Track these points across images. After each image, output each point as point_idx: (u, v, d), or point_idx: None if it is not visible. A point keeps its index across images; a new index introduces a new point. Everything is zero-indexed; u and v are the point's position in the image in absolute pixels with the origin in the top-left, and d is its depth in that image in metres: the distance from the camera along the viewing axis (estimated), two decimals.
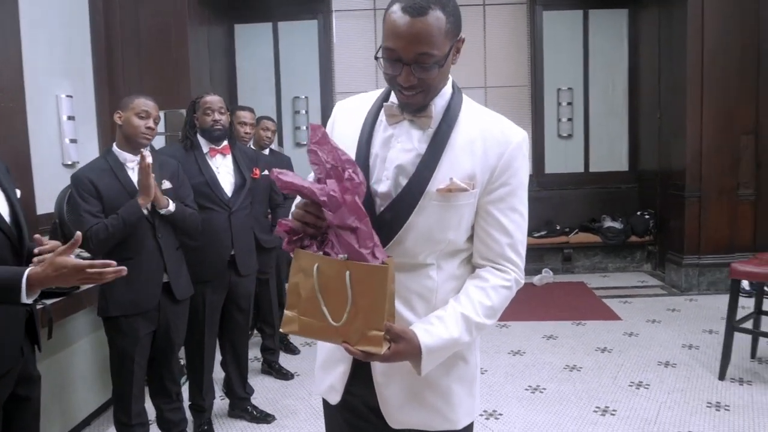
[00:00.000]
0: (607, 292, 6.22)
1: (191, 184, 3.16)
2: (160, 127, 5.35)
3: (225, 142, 3.39)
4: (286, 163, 4.71)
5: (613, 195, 7.51)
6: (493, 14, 7.49)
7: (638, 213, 7.13)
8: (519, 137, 1.44)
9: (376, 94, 1.55)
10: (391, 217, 1.42)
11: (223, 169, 3.38)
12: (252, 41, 7.46)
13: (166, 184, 2.89)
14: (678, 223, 6.16)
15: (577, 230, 7.25)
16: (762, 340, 4.20)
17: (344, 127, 1.56)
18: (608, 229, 7.04)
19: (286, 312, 1.38)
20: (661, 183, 6.75)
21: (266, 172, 3.80)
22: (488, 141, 1.42)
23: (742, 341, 4.16)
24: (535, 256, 7.06)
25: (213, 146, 3.35)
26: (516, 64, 7.54)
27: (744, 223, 5.95)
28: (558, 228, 7.23)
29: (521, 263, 1.49)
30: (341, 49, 7.45)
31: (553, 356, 4.49)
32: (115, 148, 2.85)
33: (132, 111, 2.78)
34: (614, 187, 7.54)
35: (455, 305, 1.42)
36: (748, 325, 4.01)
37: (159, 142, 5.40)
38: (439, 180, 1.39)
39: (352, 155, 1.44)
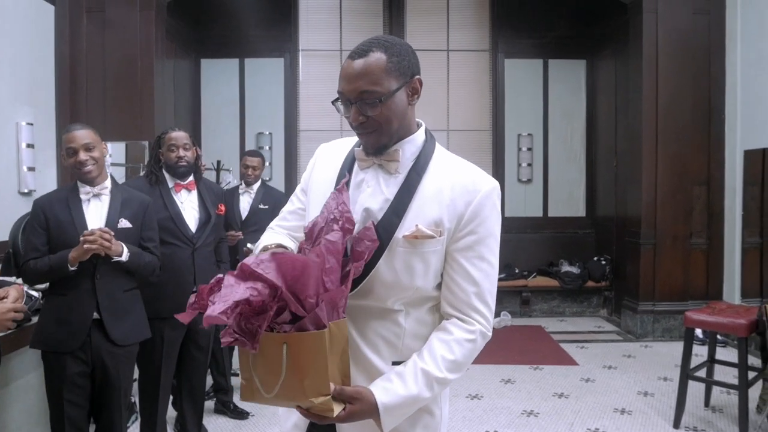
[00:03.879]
0: (565, 337, 6.28)
1: (156, 219, 3.10)
2: (120, 158, 5.31)
3: (191, 178, 3.36)
4: (277, 198, 4.67)
5: (570, 240, 7.64)
6: (456, 60, 7.65)
7: (595, 258, 7.27)
8: (488, 186, 1.45)
9: (356, 139, 1.57)
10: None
11: (188, 205, 3.33)
12: (218, 76, 7.46)
13: (123, 223, 2.77)
14: (633, 269, 6.28)
15: (535, 274, 7.33)
16: (715, 389, 4.28)
17: (323, 170, 1.58)
18: (566, 273, 7.14)
19: (241, 380, 1.39)
20: (617, 229, 6.90)
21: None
22: (456, 189, 1.43)
23: (696, 389, 4.23)
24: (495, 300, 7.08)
25: (178, 181, 3.31)
26: (478, 109, 7.69)
27: (696, 271, 6.10)
28: (517, 271, 7.30)
29: (488, 314, 1.47)
30: (307, 88, 7.49)
31: (510, 401, 4.49)
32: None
33: (63, 150, 2.71)
34: (572, 232, 7.68)
35: (417, 360, 1.41)
36: (702, 373, 4.08)
37: (119, 173, 5.33)
38: (407, 227, 1.41)
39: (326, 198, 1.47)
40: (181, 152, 3.27)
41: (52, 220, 2.67)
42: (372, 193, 1.45)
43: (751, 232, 5.59)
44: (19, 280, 2.88)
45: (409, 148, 1.47)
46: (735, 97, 5.87)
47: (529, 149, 7.68)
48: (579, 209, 7.76)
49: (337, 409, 1.30)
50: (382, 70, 1.38)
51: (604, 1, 6.67)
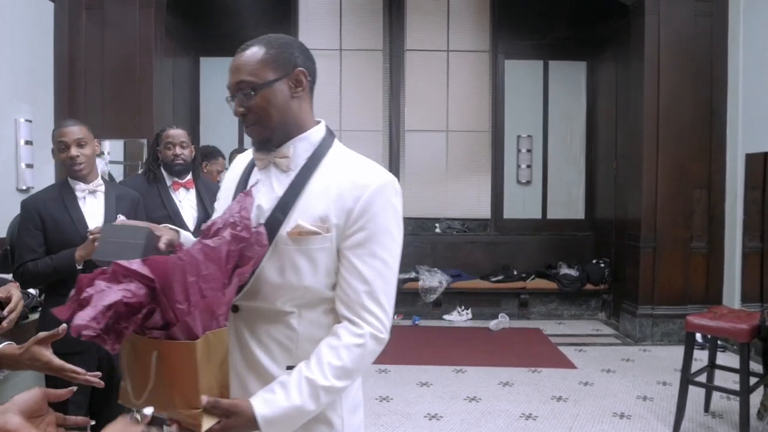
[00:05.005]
0: (563, 340, 6.26)
1: (153, 217, 3.07)
2: (119, 156, 5.28)
3: (189, 176, 3.34)
4: None
5: (569, 242, 7.62)
6: (456, 61, 7.63)
7: (594, 261, 7.24)
8: (380, 181, 1.40)
9: None
10: None
11: (186, 203, 3.31)
12: (217, 74, 7.39)
13: (121, 219, 2.77)
14: (633, 272, 6.26)
15: (533, 276, 7.30)
16: (715, 394, 4.26)
17: (230, 176, 1.61)
18: (564, 276, 7.12)
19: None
20: (617, 232, 6.88)
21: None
22: (345, 184, 1.39)
23: (695, 394, 4.20)
24: (492, 301, 7.08)
25: (176, 180, 3.30)
26: (478, 110, 7.67)
27: (696, 275, 6.08)
28: (515, 273, 7.28)
29: (381, 314, 1.39)
30: None
31: (509, 404, 4.46)
32: (68, 176, 2.75)
33: (54, 145, 2.68)
34: (570, 235, 7.66)
35: (303, 368, 1.35)
36: (702, 378, 4.06)
37: (118, 170, 5.30)
38: (292, 224, 1.39)
39: (228, 202, 1.50)
40: (178, 150, 3.25)
41: (48, 220, 2.63)
42: (265, 192, 1.45)
43: (752, 236, 5.57)
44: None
45: (303, 145, 1.45)
46: (737, 101, 5.85)
47: (529, 151, 7.66)
48: (578, 211, 7.74)
49: (208, 423, 1.23)
50: (257, 61, 1.40)
51: (605, 3, 6.65)
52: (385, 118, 7.53)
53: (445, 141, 7.58)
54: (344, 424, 1.48)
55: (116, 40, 5.26)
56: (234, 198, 1.48)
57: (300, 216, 1.39)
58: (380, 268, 1.39)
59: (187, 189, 3.33)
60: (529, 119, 7.67)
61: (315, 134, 1.47)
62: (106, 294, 1.17)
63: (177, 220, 3.22)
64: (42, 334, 1.62)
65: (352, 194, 1.38)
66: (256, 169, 1.51)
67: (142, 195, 3.11)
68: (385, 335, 1.40)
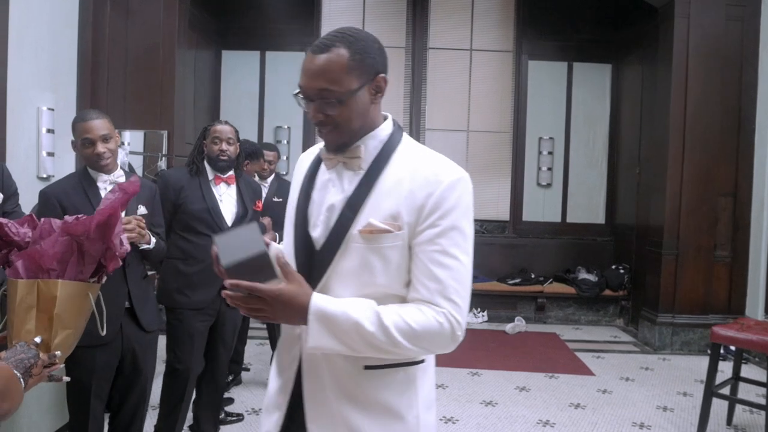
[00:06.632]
0: (580, 345, 6.17)
1: (192, 210, 3.15)
2: (139, 147, 5.27)
3: (231, 172, 3.35)
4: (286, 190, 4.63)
5: (588, 247, 7.52)
6: (479, 60, 7.56)
7: (613, 267, 7.15)
8: (453, 177, 1.37)
9: None
10: (320, 261, 1.40)
11: (226, 198, 3.33)
12: (238, 68, 7.41)
13: (142, 210, 2.75)
14: (653, 279, 6.16)
15: (551, 280, 7.22)
16: (738, 407, 4.17)
17: (297, 177, 1.57)
18: (583, 281, 7.03)
19: None
20: (638, 238, 6.77)
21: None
22: (416, 181, 1.36)
23: (717, 406, 4.10)
24: (509, 304, 7.01)
25: (218, 174, 3.31)
26: (499, 111, 7.59)
27: (719, 285, 5.97)
28: (533, 276, 7.20)
29: (457, 312, 1.34)
30: None
31: (526, 409, 4.39)
32: (87, 165, 2.72)
33: (78, 140, 2.63)
34: (590, 239, 7.56)
35: (372, 303, 1.34)
36: (726, 390, 3.97)
37: (137, 161, 5.29)
38: (362, 222, 1.36)
39: (295, 202, 1.50)
40: (224, 146, 3.28)
41: (70, 210, 2.58)
42: (335, 192, 1.42)
43: None
44: None
45: (372, 143, 1.43)
46: (766, 107, 5.73)
47: (550, 153, 7.56)
48: (599, 216, 7.64)
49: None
50: (342, 69, 1.32)
51: (631, 5, 6.55)
52: (406, 116, 7.47)
53: (466, 141, 7.51)
54: (419, 422, 1.46)
55: (139, 31, 5.24)
56: (300, 197, 1.48)
57: (370, 214, 1.36)
58: (453, 266, 1.35)
59: (228, 184, 3.35)
60: (552, 121, 7.58)
61: (383, 130, 1.45)
62: None
63: (215, 214, 3.25)
64: None
65: (423, 191, 1.35)
66: (323, 168, 1.48)
67: (183, 187, 3.18)
68: (460, 333, 1.36)
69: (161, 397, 3.33)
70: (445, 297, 1.34)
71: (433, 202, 1.34)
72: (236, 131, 3.41)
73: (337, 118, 1.35)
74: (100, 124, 2.61)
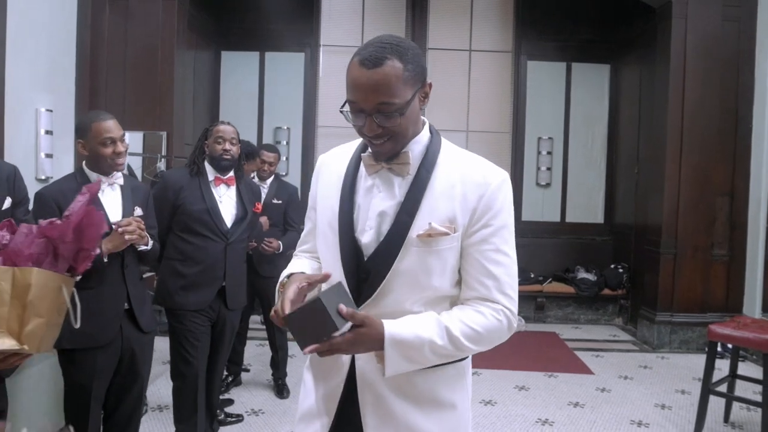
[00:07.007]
0: (579, 344, 6.19)
1: (192, 210, 3.15)
2: (138, 148, 5.28)
3: (231, 173, 3.35)
4: (290, 193, 4.62)
5: (587, 246, 7.54)
6: (478, 61, 7.57)
7: (612, 266, 7.16)
8: (499, 179, 1.44)
9: (355, 144, 1.57)
10: (376, 266, 1.42)
11: (226, 200, 3.32)
12: (238, 69, 7.42)
13: (138, 211, 2.75)
14: (652, 278, 6.18)
15: (550, 279, 7.24)
16: (735, 405, 4.19)
17: (328, 180, 1.57)
18: (582, 280, 7.04)
19: None
20: (636, 237, 6.79)
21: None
22: (468, 184, 1.42)
23: (715, 404, 4.13)
24: None
25: (219, 175, 3.30)
26: (499, 111, 7.60)
27: (717, 284, 5.99)
28: (532, 276, 7.22)
29: (512, 305, 1.44)
30: (326, 83, 7.42)
31: (525, 408, 4.41)
32: (84, 167, 2.72)
33: (95, 139, 2.61)
34: (589, 239, 7.58)
35: (439, 315, 1.40)
36: (723, 388, 3.99)
37: (137, 162, 5.30)
38: (420, 225, 1.40)
39: (336, 207, 1.49)
40: (228, 146, 3.27)
41: None
42: (384, 197, 1.44)
43: None
44: None
45: (417, 147, 1.46)
46: (763, 107, 5.75)
47: (549, 153, 7.58)
48: (597, 215, 7.66)
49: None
50: (399, 81, 1.34)
51: (630, 5, 6.57)
52: None
53: (465, 141, 7.51)
54: (468, 411, 1.55)
55: (139, 31, 5.26)
56: (344, 203, 1.48)
57: (428, 218, 1.40)
58: (505, 262, 1.43)
59: (228, 186, 3.34)
60: (551, 121, 7.59)
61: (425, 135, 1.49)
62: None
63: (215, 215, 3.24)
64: None
65: (475, 193, 1.42)
66: (363, 173, 1.49)
67: (183, 187, 3.17)
68: (515, 324, 1.45)
69: (174, 404, 3.32)
70: (502, 292, 1.42)
71: (484, 204, 1.41)
72: (238, 132, 3.41)
73: (395, 129, 1.37)
74: (117, 125, 2.68)
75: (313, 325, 1.29)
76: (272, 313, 1.40)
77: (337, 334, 1.30)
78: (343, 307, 1.28)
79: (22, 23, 4.08)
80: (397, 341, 1.33)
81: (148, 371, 2.93)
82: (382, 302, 1.42)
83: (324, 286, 1.46)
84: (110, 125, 2.63)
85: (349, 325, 1.31)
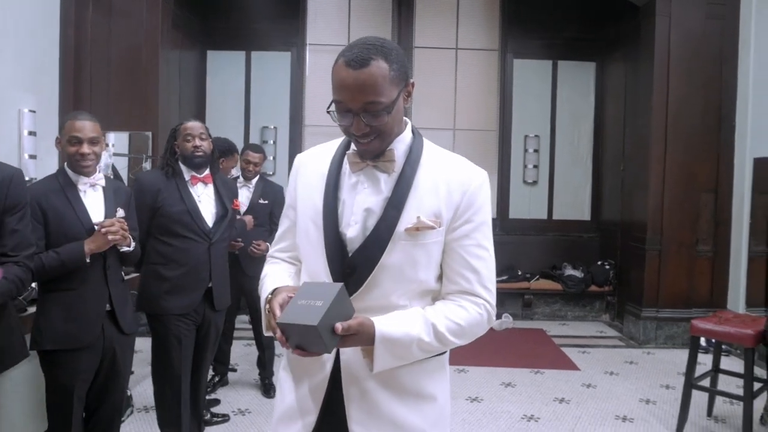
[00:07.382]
0: (566, 341, 6.22)
1: (172, 212, 3.09)
2: (123, 148, 5.27)
3: (207, 171, 3.29)
4: (276, 192, 4.62)
5: (574, 243, 7.58)
6: (464, 59, 7.59)
7: (599, 263, 7.20)
8: (480, 178, 1.51)
9: (336, 143, 1.60)
10: (362, 260, 1.46)
11: (205, 199, 3.26)
12: (224, 69, 7.40)
13: (120, 213, 2.73)
14: (637, 274, 6.22)
15: (538, 276, 7.27)
16: (718, 398, 4.22)
17: (308, 178, 1.59)
18: (569, 277, 7.08)
19: None
20: (622, 234, 6.83)
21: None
22: (451, 182, 1.48)
23: (699, 398, 4.16)
24: (496, 301, 7.02)
25: (195, 174, 3.24)
26: (485, 109, 7.62)
27: (701, 279, 6.04)
28: (519, 273, 7.24)
29: (491, 298, 1.51)
30: (313, 83, 7.42)
31: (511, 405, 4.43)
32: (66, 167, 2.70)
33: (65, 137, 2.61)
34: (576, 236, 7.62)
35: (424, 311, 1.45)
36: (706, 382, 4.03)
37: (122, 163, 5.29)
38: (407, 220, 1.44)
39: (320, 204, 1.51)
40: (198, 141, 3.20)
41: (50, 213, 2.57)
42: (370, 193, 1.48)
43: (758, 241, 5.53)
44: None
45: (401, 146, 1.51)
46: (746, 104, 5.80)
47: (536, 151, 7.62)
48: (584, 213, 7.70)
49: None
50: (385, 80, 1.38)
51: (615, 4, 6.60)
52: None
53: (452, 139, 7.53)
54: (447, 401, 1.59)
55: (123, 31, 5.24)
56: (328, 199, 1.51)
57: (415, 212, 1.45)
58: (486, 257, 1.50)
59: (206, 184, 3.27)
60: (537, 119, 7.63)
61: (408, 134, 1.53)
62: None
63: (196, 215, 3.18)
64: None
65: (458, 190, 1.47)
66: (347, 170, 1.52)
67: (160, 189, 3.10)
68: (494, 317, 1.53)
69: (157, 407, 3.27)
70: (483, 286, 1.49)
71: (467, 201, 1.47)
72: (206, 127, 3.32)
73: (382, 128, 1.42)
74: (90, 126, 2.62)
75: (306, 338, 1.32)
76: (264, 329, 1.47)
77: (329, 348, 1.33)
78: (338, 327, 1.30)
79: (4, 22, 4.05)
80: (387, 339, 1.38)
81: (129, 372, 2.93)
82: (368, 296, 1.45)
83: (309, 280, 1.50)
84: (81, 125, 2.60)
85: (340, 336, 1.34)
